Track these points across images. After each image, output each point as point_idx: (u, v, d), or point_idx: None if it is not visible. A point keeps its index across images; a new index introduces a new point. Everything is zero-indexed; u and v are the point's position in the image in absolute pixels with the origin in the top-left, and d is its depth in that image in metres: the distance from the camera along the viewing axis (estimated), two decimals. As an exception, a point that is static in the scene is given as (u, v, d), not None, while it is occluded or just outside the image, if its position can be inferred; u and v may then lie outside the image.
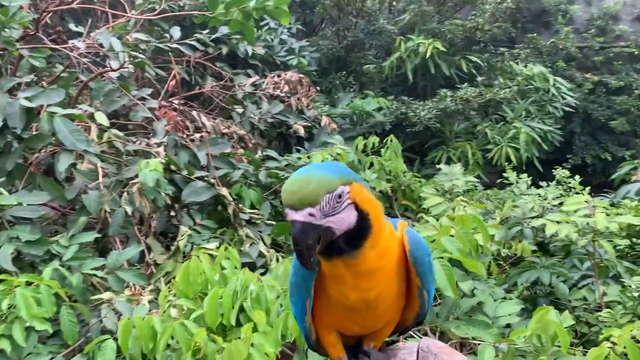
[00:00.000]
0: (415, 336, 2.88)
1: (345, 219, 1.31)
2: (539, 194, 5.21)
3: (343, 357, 1.55)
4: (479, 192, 6.07)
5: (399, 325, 1.65)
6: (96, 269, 4.19)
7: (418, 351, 1.56)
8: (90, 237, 4.34)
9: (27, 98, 4.53)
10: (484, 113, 9.42)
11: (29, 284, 3.53)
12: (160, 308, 3.16)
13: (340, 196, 1.29)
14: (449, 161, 8.20)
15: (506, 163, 8.09)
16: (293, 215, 1.27)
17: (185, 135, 6.00)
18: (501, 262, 4.80)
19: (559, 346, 2.53)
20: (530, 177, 6.21)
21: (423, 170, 8.62)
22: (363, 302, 1.42)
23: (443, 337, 3.04)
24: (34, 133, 4.67)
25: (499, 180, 6.92)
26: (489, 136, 8.79)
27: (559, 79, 9.63)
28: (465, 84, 8.94)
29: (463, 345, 3.13)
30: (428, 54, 8.96)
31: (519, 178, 5.89)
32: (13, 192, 4.44)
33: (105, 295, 4.10)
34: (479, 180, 6.89)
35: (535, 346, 2.64)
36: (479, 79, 9.29)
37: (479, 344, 2.72)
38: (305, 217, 1.26)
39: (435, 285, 1.60)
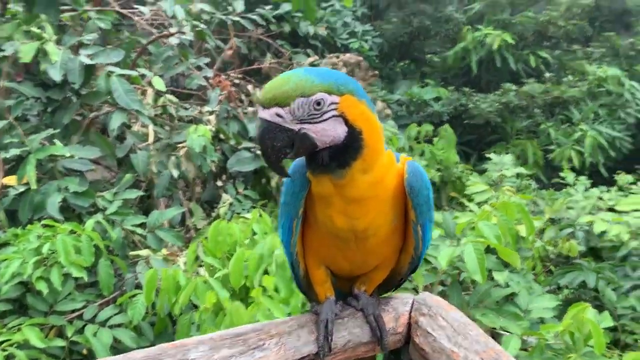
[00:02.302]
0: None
1: (329, 131, 1.24)
2: (597, 197, 4.92)
3: (330, 297, 1.48)
4: (533, 190, 5.80)
5: (393, 274, 1.55)
6: (137, 226, 4.28)
7: (413, 302, 1.47)
8: (134, 194, 4.44)
9: (87, 55, 4.67)
10: (549, 113, 9.01)
11: (72, 232, 3.65)
12: (187, 264, 3.19)
13: (319, 103, 1.22)
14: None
15: (567, 165, 7.72)
16: (260, 112, 1.23)
17: (237, 107, 6.04)
18: (547, 263, 4.58)
19: (593, 347, 2.36)
20: (593, 184, 5.88)
21: (479, 166, 8.36)
22: (351, 231, 1.34)
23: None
24: (92, 90, 4.81)
25: (554, 180, 6.59)
26: (552, 136, 8.40)
27: (634, 83, 9.07)
28: (532, 79, 8.57)
29: (493, 337, 2.99)
30: (495, 46, 8.63)
31: (577, 180, 5.58)
32: (67, 146, 4.60)
33: (143, 252, 4.19)
34: (531, 176, 6.59)
35: (567, 344, 2.48)
36: (547, 75, 8.87)
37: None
38: (272, 117, 1.21)
39: (432, 226, 1.48)
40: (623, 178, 5.44)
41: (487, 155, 5.61)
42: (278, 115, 1.21)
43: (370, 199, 1.32)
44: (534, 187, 5.98)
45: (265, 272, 2.84)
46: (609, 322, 2.62)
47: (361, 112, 1.27)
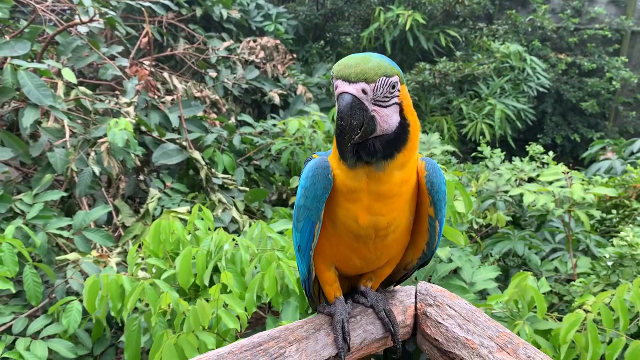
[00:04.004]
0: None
1: (389, 118, 1.24)
2: (513, 168, 5.22)
3: (340, 296, 1.48)
4: (454, 165, 6.06)
5: (399, 269, 1.57)
6: (62, 229, 4.04)
7: (416, 293, 1.50)
8: (56, 195, 4.18)
9: (-11, 48, 4.29)
10: (459, 89, 9.41)
11: (-10, 242, 3.38)
12: (128, 268, 3.05)
13: (394, 86, 1.23)
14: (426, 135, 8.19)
15: (481, 138, 8.13)
16: (345, 87, 1.19)
17: (156, 97, 5.80)
18: (473, 234, 4.82)
19: (535, 312, 2.53)
20: (504, 154, 6.24)
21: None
22: (373, 229, 1.34)
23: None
24: (-3, 86, 4.43)
25: (472, 155, 6.92)
26: (464, 112, 8.79)
27: (534, 58, 9.66)
28: (444, 58, 8.88)
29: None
30: (407, 26, 8.85)
31: (493, 153, 5.89)
32: (-27, 147, 4.23)
33: (71, 256, 3.96)
34: (451, 152, 6.90)
35: (512, 311, 2.64)
36: (458, 53, 9.24)
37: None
38: (358, 92, 1.19)
39: (444, 221, 1.51)
40: (535, 148, 5.79)
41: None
42: (364, 91, 1.19)
43: (397, 196, 1.32)
44: (453, 162, 6.25)
45: (214, 269, 2.78)
46: (547, 287, 2.82)
47: (411, 105, 1.29)
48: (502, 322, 2.70)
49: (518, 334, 2.50)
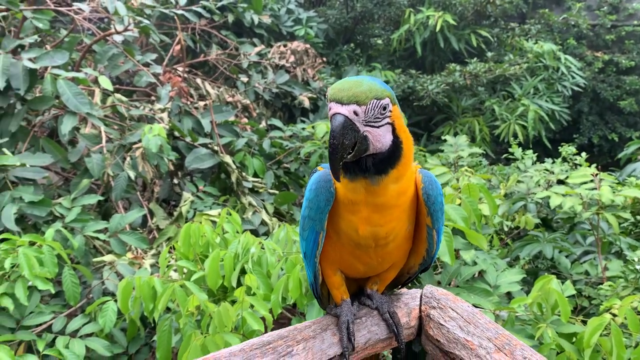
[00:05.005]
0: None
1: (381, 138, 1.31)
2: (545, 169, 5.16)
3: (347, 299, 1.56)
4: (484, 167, 6.02)
5: (402, 273, 1.64)
6: (98, 231, 4.20)
7: (421, 296, 1.56)
8: (93, 199, 4.35)
9: (30, 59, 4.49)
10: (492, 89, 9.31)
11: (32, 244, 3.55)
12: (160, 270, 3.16)
13: (384, 108, 1.30)
14: (455, 136, 8.14)
15: (513, 139, 8.03)
16: (338, 108, 1.26)
17: (189, 102, 5.96)
18: (503, 236, 4.78)
19: (560, 315, 2.52)
20: (537, 155, 6.15)
21: (429, 146, 8.56)
22: (372, 239, 1.41)
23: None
24: (37, 95, 4.63)
25: (504, 156, 6.85)
26: (497, 113, 8.69)
27: (569, 57, 9.48)
28: (475, 59, 8.81)
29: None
30: (438, 27, 8.80)
31: (524, 154, 5.83)
32: (16, 154, 4.43)
33: (107, 257, 4.11)
34: (483, 154, 6.83)
35: (536, 314, 2.64)
36: (489, 54, 9.14)
37: (479, 312, 2.71)
38: (350, 113, 1.26)
39: (443, 228, 1.58)
40: (567, 149, 5.71)
41: (443, 137, 5.77)
42: (355, 113, 1.26)
43: (394, 207, 1.39)
44: (484, 163, 6.20)
45: (242, 271, 2.86)
46: (572, 291, 2.80)
47: (403, 124, 1.36)
48: (525, 325, 2.70)
49: (541, 337, 2.50)
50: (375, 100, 1.27)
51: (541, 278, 2.57)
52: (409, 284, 1.73)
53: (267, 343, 1.32)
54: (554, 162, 5.72)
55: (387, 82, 8.62)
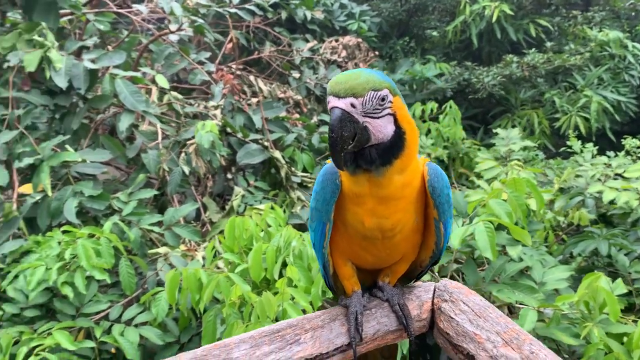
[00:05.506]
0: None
1: (383, 128, 1.32)
2: (604, 163, 4.94)
3: (357, 290, 1.57)
4: (541, 161, 5.82)
5: (415, 266, 1.64)
6: (153, 224, 4.37)
7: (435, 289, 1.55)
8: (149, 194, 4.52)
9: (90, 60, 4.72)
10: (552, 80, 8.96)
11: (91, 236, 3.75)
12: (206, 262, 3.26)
13: (383, 99, 1.31)
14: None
15: (573, 132, 7.71)
16: (335, 102, 1.29)
17: (241, 99, 6.09)
18: (559, 232, 4.62)
19: (608, 314, 2.42)
20: (601, 148, 5.88)
21: (486, 140, 8.35)
22: (378, 230, 1.42)
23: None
24: (97, 94, 4.87)
25: (562, 149, 6.59)
26: (557, 105, 8.36)
27: (637, 45, 8.99)
28: (533, 49, 8.51)
29: (511, 312, 3.06)
30: (494, 18, 8.56)
31: (584, 147, 5.59)
32: (78, 151, 4.68)
33: (162, 249, 4.27)
34: (536, 147, 6.58)
35: (582, 313, 2.54)
36: (548, 44, 8.80)
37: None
38: (347, 106, 1.28)
39: (452, 221, 1.57)
40: (630, 142, 5.44)
41: (494, 130, 5.62)
42: (352, 105, 1.29)
43: (400, 199, 1.40)
44: (541, 157, 6.00)
45: (284, 264, 2.91)
46: (623, 289, 2.67)
47: (406, 114, 1.37)
48: (572, 324, 2.61)
49: (588, 336, 2.40)
50: (373, 92, 1.29)
51: (588, 275, 2.47)
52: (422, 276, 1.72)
53: (276, 331, 1.36)
54: (616, 156, 5.46)
55: (441, 74, 8.48)
